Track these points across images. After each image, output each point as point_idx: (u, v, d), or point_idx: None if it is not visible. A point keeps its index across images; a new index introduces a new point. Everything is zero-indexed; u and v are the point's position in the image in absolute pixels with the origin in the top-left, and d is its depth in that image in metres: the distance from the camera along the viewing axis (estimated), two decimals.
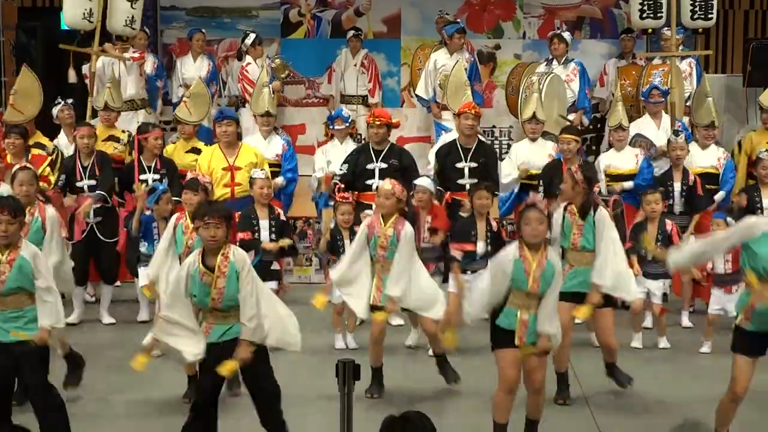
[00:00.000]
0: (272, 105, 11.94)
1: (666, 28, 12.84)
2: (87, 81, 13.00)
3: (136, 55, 13.40)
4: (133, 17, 12.69)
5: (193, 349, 6.89)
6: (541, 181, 11.00)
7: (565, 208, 8.25)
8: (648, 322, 10.46)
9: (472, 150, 11.08)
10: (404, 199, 8.66)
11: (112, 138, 11.83)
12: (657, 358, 9.85)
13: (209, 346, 6.89)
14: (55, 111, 12.15)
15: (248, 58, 13.85)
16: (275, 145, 11.75)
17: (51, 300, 6.97)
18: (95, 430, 7.92)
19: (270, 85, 12.23)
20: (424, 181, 10.19)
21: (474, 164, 10.98)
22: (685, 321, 10.84)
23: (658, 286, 10.15)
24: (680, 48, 13.08)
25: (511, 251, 7.09)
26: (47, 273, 7.02)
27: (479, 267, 9.23)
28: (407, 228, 8.51)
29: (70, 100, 12.27)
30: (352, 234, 9.76)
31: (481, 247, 9.69)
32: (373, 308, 8.54)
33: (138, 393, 8.62)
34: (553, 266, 7.04)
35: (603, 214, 8.17)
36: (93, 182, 10.84)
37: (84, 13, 12.35)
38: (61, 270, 8.38)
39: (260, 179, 10.00)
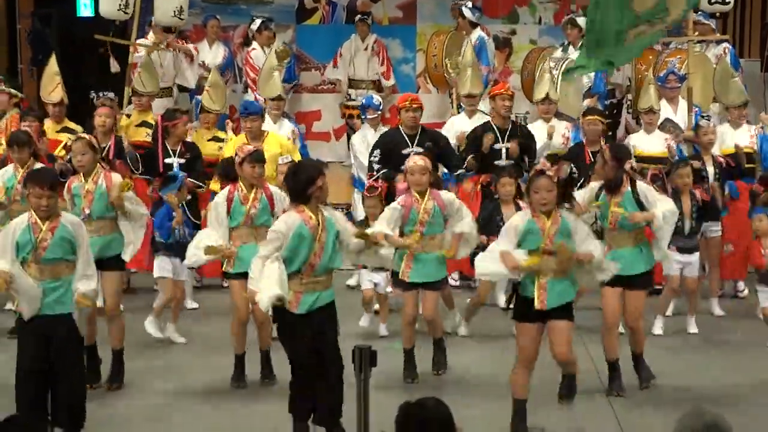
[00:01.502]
0: (282, 89, 11.96)
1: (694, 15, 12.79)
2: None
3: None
4: (181, 8, 12.71)
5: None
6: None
7: (602, 188, 8.24)
8: (670, 309, 10.42)
9: (509, 131, 11.06)
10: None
11: (144, 124, 11.88)
12: (681, 346, 9.80)
13: (299, 317, 6.99)
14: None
15: (254, 44, 13.86)
16: (284, 130, 11.76)
17: (90, 272, 7.14)
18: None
19: (278, 70, 12.26)
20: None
21: (510, 144, 10.98)
22: (717, 310, 10.76)
23: (694, 259, 10.08)
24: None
25: (521, 213, 7.21)
26: (86, 243, 7.17)
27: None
28: (446, 195, 8.56)
29: (111, 94, 12.32)
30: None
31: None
32: (402, 284, 8.60)
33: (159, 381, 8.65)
34: (568, 220, 7.11)
35: (645, 188, 8.19)
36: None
37: (120, 5, 12.38)
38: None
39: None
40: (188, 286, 10.71)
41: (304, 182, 7.03)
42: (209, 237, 8.30)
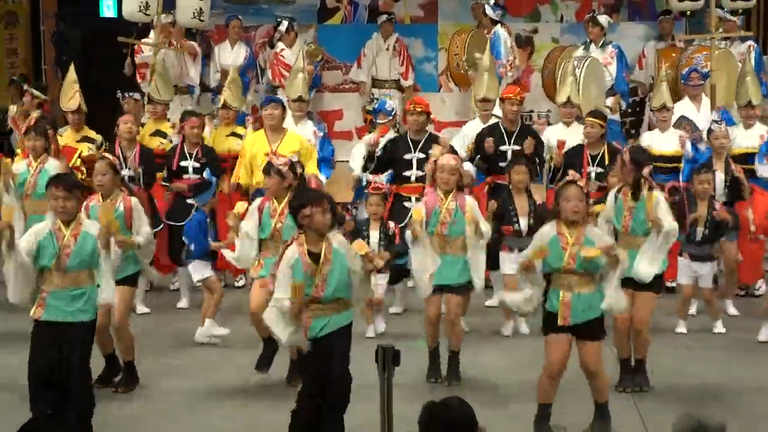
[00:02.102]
0: (306, 90, 11.97)
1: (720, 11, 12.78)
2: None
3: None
4: (201, 9, 12.75)
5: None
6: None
7: (619, 190, 8.23)
8: (693, 309, 10.41)
9: (516, 133, 11.05)
10: (474, 178, 8.66)
11: (158, 133, 11.90)
12: (704, 344, 9.75)
13: (310, 342, 6.79)
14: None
15: (281, 44, 13.89)
16: (306, 131, 11.75)
17: (109, 272, 7.17)
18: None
19: (304, 71, 12.26)
20: (465, 166, 10.13)
21: (517, 147, 10.96)
22: (731, 309, 10.70)
23: (706, 270, 10.05)
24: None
25: (547, 229, 7.12)
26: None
27: (526, 245, 9.31)
28: (470, 199, 8.55)
29: (137, 95, 12.37)
30: (383, 227, 9.75)
31: (523, 223, 9.63)
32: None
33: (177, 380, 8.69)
34: (592, 240, 7.04)
35: (660, 198, 8.13)
36: (131, 173, 10.75)
37: (140, 6, 12.43)
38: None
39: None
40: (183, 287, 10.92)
41: (294, 209, 6.84)
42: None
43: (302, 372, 7.09)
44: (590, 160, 10.76)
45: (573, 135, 11.37)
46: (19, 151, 11.16)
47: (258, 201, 8.50)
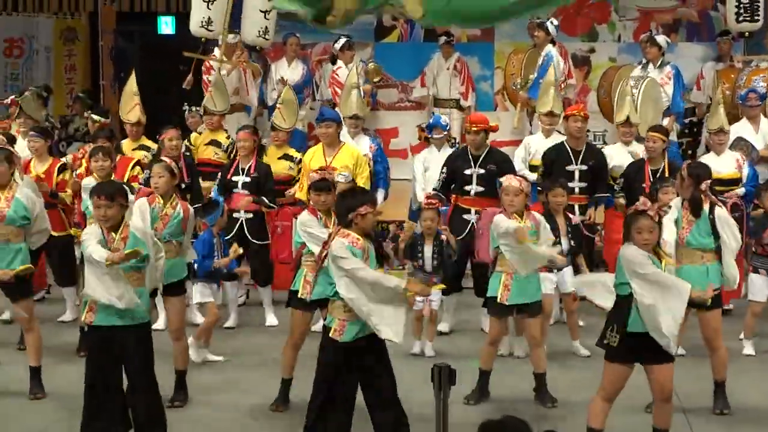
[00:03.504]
0: (360, 108, 11.99)
1: None
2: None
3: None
4: (266, 28, 12.83)
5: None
6: (622, 180, 10.98)
7: (682, 203, 8.19)
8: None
9: (582, 153, 11.03)
10: (530, 194, 8.62)
11: (214, 143, 12.01)
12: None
13: (342, 345, 6.92)
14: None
15: (339, 62, 13.97)
16: (362, 146, 11.77)
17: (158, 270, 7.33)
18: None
19: (360, 87, 12.29)
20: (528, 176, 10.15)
21: (584, 167, 10.93)
22: None
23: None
24: None
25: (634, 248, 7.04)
26: (156, 248, 7.31)
27: (564, 265, 9.33)
28: (540, 217, 8.57)
29: (195, 108, 12.49)
30: (437, 241, 9.73)
31: (564, 243, 9.56)
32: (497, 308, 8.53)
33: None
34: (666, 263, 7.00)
35: (723, 215, 8.09)
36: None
37: (202, 21, 12.54)
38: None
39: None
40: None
41: (346, 207, 7.00)
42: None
43: (319, 373, 7.08)
44: (651, 176, 10.70)
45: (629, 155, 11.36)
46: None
47: (305, 214, 8.43)
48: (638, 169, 10.88)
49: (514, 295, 8.42)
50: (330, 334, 6.96)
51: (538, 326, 8.59)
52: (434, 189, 10.85)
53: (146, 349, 7.20)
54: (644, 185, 10.56)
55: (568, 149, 11.06)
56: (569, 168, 10.95)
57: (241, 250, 9.80)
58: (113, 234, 7.09)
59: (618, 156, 11.44)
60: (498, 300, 8.46)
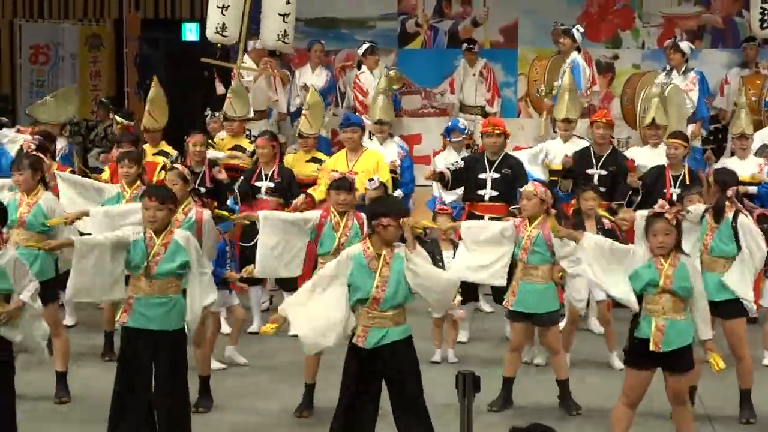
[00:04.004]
0: (385, 113, 12.01)
1: None
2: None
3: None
4: (285, 32, 12.82)
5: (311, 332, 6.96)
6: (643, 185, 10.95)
7: (707, 210, 8.15)
8: None
9: (605, 157, 11.03)
10: (548, 200, 8.56)
11: (237, 148, 12.04)
12: None
13: (367, 352, 6.93)
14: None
15: (363, 68, 14.01)
16: (391, 152, 11.79)
17: (204, 281, 7.30)
18: None
19: (385, 94, 12.31)
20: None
21: (604, 172, 10.92)
22: None
23: None
24: None
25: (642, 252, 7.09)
26: (199, 257, 7.30)
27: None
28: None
29: (220, 114, 12.53)
30: (455, 247, 9.71)
31: None
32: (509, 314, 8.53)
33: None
34: (686, 265, 6.99)
35: (746, 223, 8.03)
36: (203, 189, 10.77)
37: (217, 27, 12.55)
38: None
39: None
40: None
41: (371, 214, 7.05)
42: None
43: (344, 382, 7.08)
44: (672, 181, 10.69)
45: (659, 157, 11.32)
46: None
47: (317, 216, 8.48)
48: (659, 175, 10.86)
49: (518, 302, 8.39)
50: (353, 340, 6.98)
51: (554, 334, 8.55)
52: (448, 168, 10.79)
53: (177, 354, 7.23)
54: (665, 191, 10.54)
55: (591, 153, 11.07)
56: (589, 171, 10.96)
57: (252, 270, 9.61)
58: (155, 238, 7.12)
59: (643, 157, 11.40)
60: (504, 304, 8.53)
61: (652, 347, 6.92)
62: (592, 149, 11.15)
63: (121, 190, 9.91)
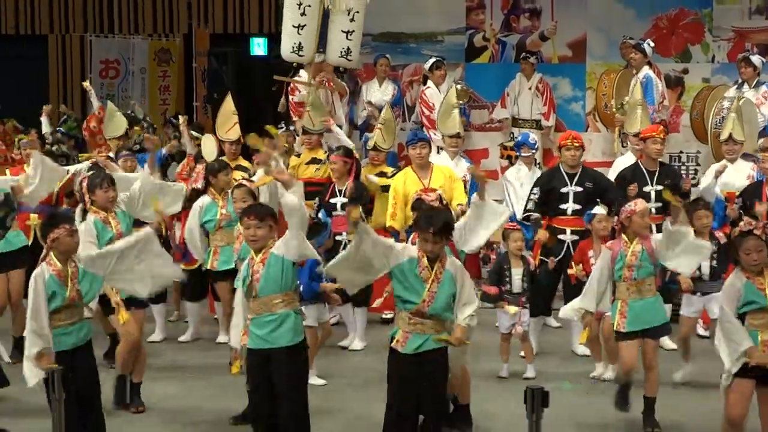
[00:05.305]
0: (461, 126, 12.04)
1: None
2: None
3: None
4: (348, 48, 12.88)
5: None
6: (740, 201, 10.78)
7: None
8: None
9: (657, 173, 10.94)
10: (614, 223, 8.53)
11: (314, 161, 12.12)
12: None
13: (407, 357, 6.95)
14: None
15: (429, 83, 14.02)
16: (461, 169, 11.77)
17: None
18: None
19: (457, 107, 12.31)
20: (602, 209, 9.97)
21: (659, 187, 10.82)
22: None
23: None
24: None
25: (736, 274, 6.99)
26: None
27: (711, 290, 9.17)
28: (656, 237, 8.34)
29: (292, 127, 12.62)
30: (525, 263, 9.66)
31: (705, 267, 9.35)
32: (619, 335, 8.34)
33: None
34: None
35: None
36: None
37: (293, 47, 12.63)
38: None
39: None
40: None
41: (423, 227, 6.99)
42: None
43: (390, 389, 7.11)
44: None
45: (738, 172, 11.27)
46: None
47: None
48: (756, 188, 10.75)
49: (632, 321, 8.19)
50: (392, 344, 7.01)
51: (656, 350, 8.39)
52: (527, 210, 10.79)
53: (295, 370, 7.17)
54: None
55: (643, 169, 11.03)
56: (645, 189, 10.85)
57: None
58: (255, 257, 7.10)
59: (730, 174, 11.27)
60: (615, 328, 8.30)
61: (753, 362, 6.79)
62: (642, 166, 11.08)
63: (212, 198, 10.41)
